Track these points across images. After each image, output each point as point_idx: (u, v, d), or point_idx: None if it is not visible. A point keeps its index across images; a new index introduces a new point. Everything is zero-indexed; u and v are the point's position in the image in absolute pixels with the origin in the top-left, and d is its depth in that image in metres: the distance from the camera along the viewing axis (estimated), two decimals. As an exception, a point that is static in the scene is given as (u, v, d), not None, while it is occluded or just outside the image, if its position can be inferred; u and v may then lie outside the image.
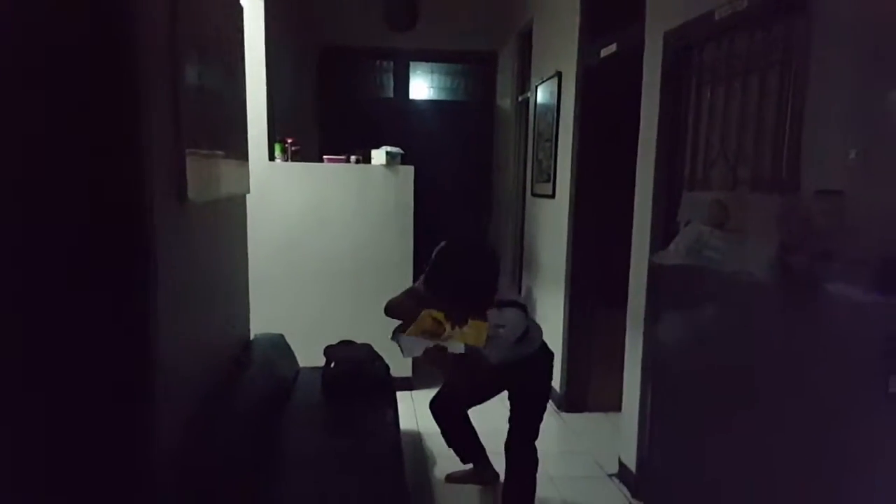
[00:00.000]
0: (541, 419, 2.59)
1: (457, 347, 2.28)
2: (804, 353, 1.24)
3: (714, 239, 1.44)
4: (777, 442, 1.33)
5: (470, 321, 2.26)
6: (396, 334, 2.42)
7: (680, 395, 1.80)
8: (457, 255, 2.43)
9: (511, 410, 2.61)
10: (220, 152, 2.34)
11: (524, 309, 2.43)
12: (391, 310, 2.60)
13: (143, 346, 1.59)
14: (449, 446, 2.98)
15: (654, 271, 2.68)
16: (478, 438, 2.97)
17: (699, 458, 1.69)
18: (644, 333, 2.76)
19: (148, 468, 1.59)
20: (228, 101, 2.51)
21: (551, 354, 2.62)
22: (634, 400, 2.85)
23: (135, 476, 1.56)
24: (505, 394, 2.65)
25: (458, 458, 3.02)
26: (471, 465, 3.04)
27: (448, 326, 2.28)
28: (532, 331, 2.51)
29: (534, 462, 2.59)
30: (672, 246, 1.61)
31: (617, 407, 3.60)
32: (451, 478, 3.07)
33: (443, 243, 2.45)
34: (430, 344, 2.31)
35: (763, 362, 1.37)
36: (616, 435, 3.34)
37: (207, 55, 2.18)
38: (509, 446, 2.61)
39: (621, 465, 3.02)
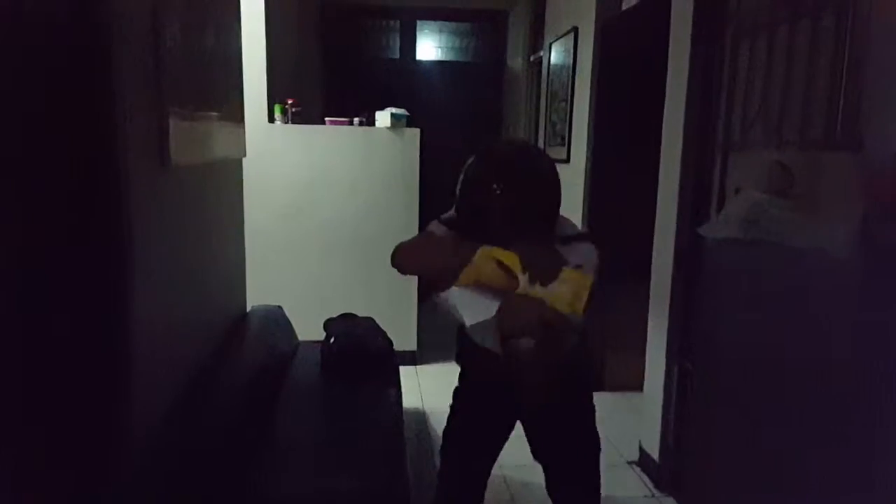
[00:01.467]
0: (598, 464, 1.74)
1: (564, 301, 1.29)
2: (892, 344, 1.04)
3: (774, 209, 1.24)
4: (845, 444, 1.14)
5: (564, 271, 1.31)
6: (433, 298, 1.46)
7: (726, 383, 1.61)
8: (502, 156, 1.57)
9: (546, 455, 1.77)
10: (211, 113, 2.15)
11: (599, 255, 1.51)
12: (403, 256, 1.63)
13: (120, 319, 1.43)
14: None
15: (695, 244, 2.47)
16: None
17: (744, 453, 1.51)
18: (671, 310, 2.57)
19: (126, 446, 1.44)
20: (221, 60, 2.31)
21: (591, 359, 1.88)
22: (658, 381, 2.66)
23: (112, 454, 1.41)
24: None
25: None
26: None
27: (523, 278, 1.31)
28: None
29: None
30: (721, 216, 1.41)
31: (635, 387, 3.42)
32: None
33: (479, 150, 1.59)
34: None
35: (839, 353, 1.17)
36: (635, 418, 3.16)
37: (195, 11, 1.98)
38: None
39: (642, 451, 2.85)
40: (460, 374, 1.93)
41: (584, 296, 1.28)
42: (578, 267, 1.35)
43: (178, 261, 1.85)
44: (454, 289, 1.29)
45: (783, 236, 1.25)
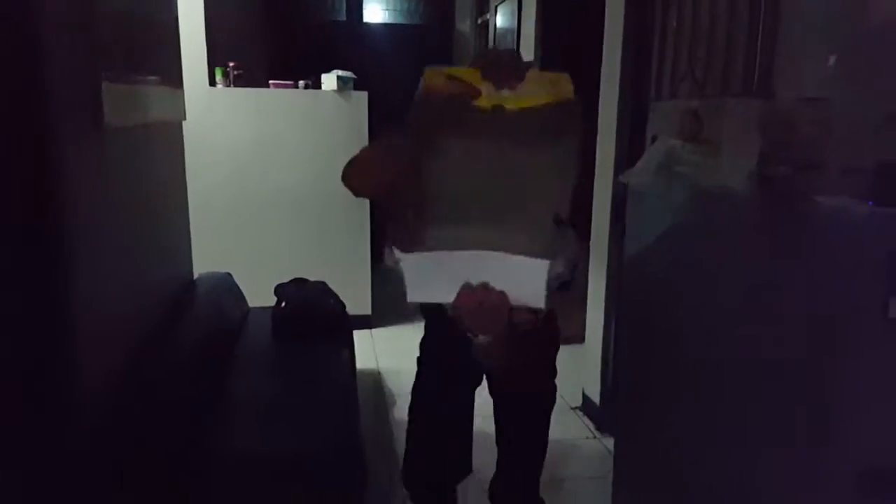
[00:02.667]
0: (546, 446, 1.73)
1: (534, 297, 1.00)
2: (791, 276, 1.14)
3: (687, 153, 1.31)
4: (760, 372, 1.24)
5: (531, 71, 1.02)
6: (389, 251, 1.06)
7: (652, 324, 1.70)
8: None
9: (500, 446, 1.75)
10: (146, 76, 2.12)
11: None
12: (356, 169, 1.33)
13: (57, 289, 1.43)
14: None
15: (620, 196, 2.57)
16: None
17: (672, 391, 1.62)
18: (608, 260, 2.67)
19: (71, 415, 1.46)
20: (155, 21, 2.26)
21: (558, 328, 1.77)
22: (598, 331, 2.78)
23: (56, 424, 1.42)
24: None
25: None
26: None
27: (483, 88, 1.01)
28: None
29: None
30: (640, 164, 1.48)
31: (578, 339, 3.55)
32: None
33: None
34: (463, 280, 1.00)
35: (745, 286, 1.27)
36: (578, 368, 3.29)
37: None
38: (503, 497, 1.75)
39: (585, 397, 2.99)
40: (425, 325, 1.84)
41: (570, 88, 1.00)
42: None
43: (115, 225, 1.85)
44: (407, 257, 1.00)
45: (693, 179, 1.34)
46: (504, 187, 0.99)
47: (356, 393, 2.77)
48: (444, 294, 1.00)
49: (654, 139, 1.53)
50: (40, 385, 1.41)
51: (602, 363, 2.78)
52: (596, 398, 2.85)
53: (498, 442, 1.75)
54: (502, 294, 0.98)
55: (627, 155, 2.50)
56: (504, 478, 1.73)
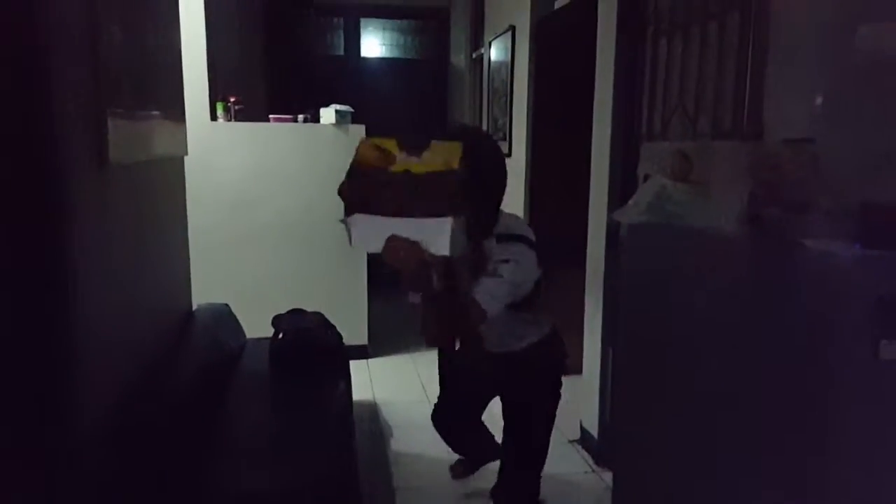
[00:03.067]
0: (545, 451, 1.98)
1: (440, 243, 1.36)
2: (782, 317, 1.16)
3: (677, 193, 1.35)
4: (752, 411, 1.26)
5: (432, 142, 1.43)
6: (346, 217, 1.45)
7: (646, 358, 1.73)
8: (457, 132, 1.70)
9: (504, 446, 2.02)
10: (150, 112, 2.16)
11: (534, 252, 1.67)
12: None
13: (58, 321, 1.44)
14: (458, 453, 2.52)
15: (614, 229, 2.61)
16: (491, 438, 2.39)
17: (667, 424, 1.63)
18: (604, 293, 2.70)
19: (67, 449, 1.45)
20: (160, 58, 2.31)
21: (565, 352, 1.97)
22: (595, 363, 2.80)
23: (52, 459, 1.42)
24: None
25: (411, 428, 2.93)
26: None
27: (398, 155, 1.43)
28: (540, 304, 1.83)
29: None
30: (632, 202, 1.51)
31: (576, 370, 3.57)
32: (457, 473, 2.59)
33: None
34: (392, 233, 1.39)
35: (736, 325, 1.30)
36: (576, 400, 3.30)
37: (133, 8, 2.00)
38: (505, 497, 2.05)
39: (583, 430, 2.99)
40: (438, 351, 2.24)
41: (457, 158, 1.41)
42: (501, 261, 1.57)
43: (117, 260, 1.87)
44: (356, 214, 1.40)
45: (683, 218, 1.37)
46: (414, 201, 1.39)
47: (353, 426, 2.77)
48: (377, 242, 1.40)
49: (645, 178, 1.57)
50: (38, 418, 1.41)
51: (600, 395, 2.79)
52: (594, 431, 2.86)
53: (503, 446, 2.03)
54: (415, 243, 1.34)
55: (620, 191, 2.55)
56: (506, 481, 2.01)
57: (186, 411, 2.08)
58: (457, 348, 1.88)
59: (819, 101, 1.47)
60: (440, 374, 2.28)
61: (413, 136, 1.46)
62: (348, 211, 1.42)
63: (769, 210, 1.16)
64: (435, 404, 2.35)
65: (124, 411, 1.80)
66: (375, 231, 1.40)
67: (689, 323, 1.45)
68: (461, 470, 2.58)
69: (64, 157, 1.48)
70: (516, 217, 1.82)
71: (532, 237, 1.69)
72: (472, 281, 1.55)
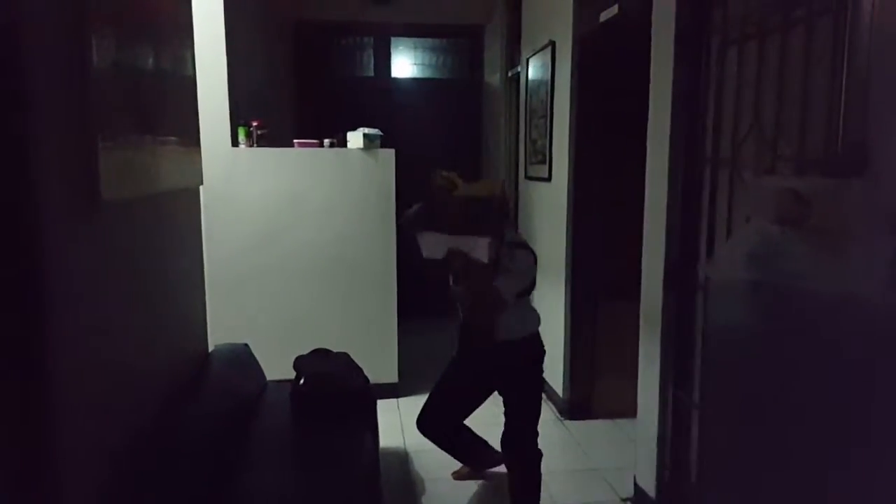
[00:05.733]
0: (538, 415, 2.47)
1: (481, 253, 2.17)
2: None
3: (790, 243, 1.07)
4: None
5: (482, 179, 2.62)
6: (418, 230, 2.34)
7: (738, 433, 1.43)
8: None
9: (506, 410, 2.48)
10: (156, 139, 1.96)
11: (534, 256, 2.35)
12: (405, 218, 2.50)
13: (40, 386, 1.24)
14: (448, 452, 2.81)
15: (674, 265, 2.32)
16: (477, 437, 2.77)
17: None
18: (663, 335, 2.40)
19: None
20: (169, 80, 2.12)
21: (543, 348, 2.49)
22: (653, 413, 2.48)
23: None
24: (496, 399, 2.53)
25: (442, 482, 2.70)
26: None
27: (459, 182, 2.32)
28: (532, 309, 2.49)
29: (537, 458, 2.47)
30: (725, 251, 1.24)
31: (625, 412, 3.25)
32: (459, 475, 2.92)
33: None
34: (450, 245, 2.23)
35: (880, 415, 1.00)
36: (627, 447, 2.98)
37: (134, 24, 1.80)
38: (510, 445, 2.48)
39: (637, 488, 2.66)
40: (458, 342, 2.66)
41: (497, 189, 2.34)
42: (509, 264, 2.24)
43: (115, 309, 1.65)
44: (424, 233, 2.30)
45: (803, 277, 1.07)
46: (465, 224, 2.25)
47: (379, 483, 2.51)
48: (441, 251, 2.26)
49: (747, 219, 1.29)
50: (37, 483, 1.20)
51: (658, 447, 2.47)
52: (651, 490, 2.53)
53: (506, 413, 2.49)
54: (466, 253, 2.20)
55: (679, 226, 2.26)
56: (509, 433, 2.46)
57: (197, 469, 1.87)
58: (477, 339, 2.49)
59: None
60: (444, 377, 2.68)
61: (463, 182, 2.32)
62: (416, 227, 2.32)
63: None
64: (423, 408, 2.67)
65: (133, 466, 1.61)
66: (437, 244, 2.26)
67: (814, 400, 1.15)
68: (464, 472, 2.89)
69: (44, 200, 1.27)
70: (519, 233, 2.59)
71: (530, 246, 2.42)
72: (494, 277, 2.19)
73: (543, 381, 2.51)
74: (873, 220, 0.92)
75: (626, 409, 3.12)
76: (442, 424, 2.70)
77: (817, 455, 1.14)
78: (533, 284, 2.39)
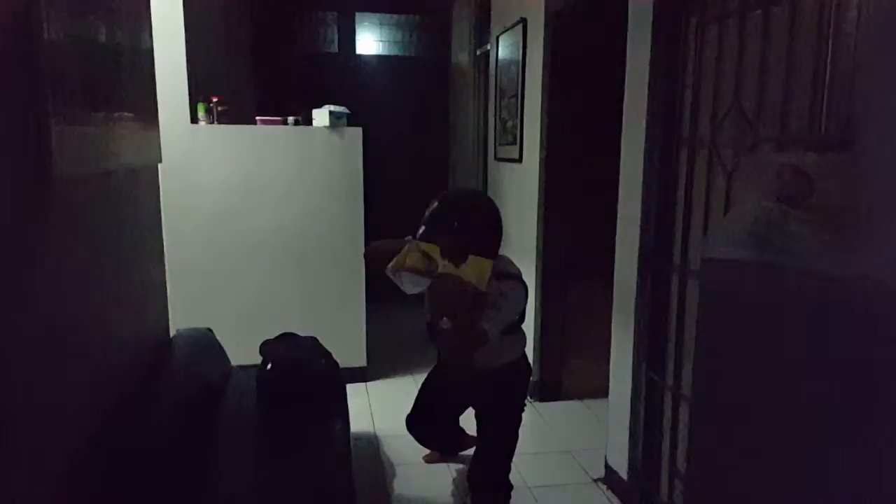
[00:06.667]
0: (513, 448, 2.31)
1: (471, 277, 1.91)
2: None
3: (794, 223, 1.03)
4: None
5: (470, 257, 1.95)
6: (391, 268, 2.04)
7: (727, 423, 1.41)
8: (461, 199, 2.28)
9: (479, 436, 2.37)
10: (112, 115, 1.84)
11: (525, 288, 2.11)
12: (374, 251, 2.25)
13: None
14: (430, 448, 2.84)
15: (649, 245, 2.30)
16: (457, 427, 2.75)
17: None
18: (637, 316, 2.39)
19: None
20: (126, 55, 1.99)
21: (530, 370, 2.37)
22: (625, 394, 2.48)
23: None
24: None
25: (413, 466, 2.73)
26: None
27: (441, 263, 1.97)
28: (517, 334, 2.25)
29: (506, 496, 2.33)
30: (720, 231, 1.20)
31: (596, 393, 3.27)
32: (430, 459, 2.88)
33: (442, 194, 2.18)
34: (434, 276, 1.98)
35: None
36: (598, 427, 2.99)
37: (90, 2, 1.68)
38: (477, 481, 2.33)
39: (608, 468, 2.67)
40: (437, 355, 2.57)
41: (487, 274, 1.93)
42: (500, 296, 1.98)
43: (69, 292, 1.55)
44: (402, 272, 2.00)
45: (808, 258, 1.03)
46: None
47: (351, 469, 2.45)
48: (423, 284, 2.05)
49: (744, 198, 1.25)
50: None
51: (630, 427, 2.47)
52: (622, 470, 2.54)
53: (477, 434, 2.38)
54: (456, 275, 1.93)
55: (656, 203, 2.24)
56: (479, 466, 2.33)
57: (161, 458, 1.79)
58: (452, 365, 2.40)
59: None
60: (423, 387, 2.58)
61: (455, 246, 1.98)
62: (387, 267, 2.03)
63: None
64: (410, 413, 2.60)
65: (93, 455, 1.53)
66: (419, 282, 2.03)
67: (807, 407, 1.11)
68: (435, 456, 2.84)
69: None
70: (509, 259, 2.19)
71: (521, 274, 2.14)
72: (479, 313, 1.93)
73: (524, 406, 2.32)
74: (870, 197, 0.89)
75: (597, 389, 3.13)
76: (431, 430, 2.68)
77: (817, 449, 1.12)
78: (522, 317, 2.20)
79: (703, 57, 2.03)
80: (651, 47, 2.22)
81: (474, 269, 1.92)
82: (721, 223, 1.24)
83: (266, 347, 2.58)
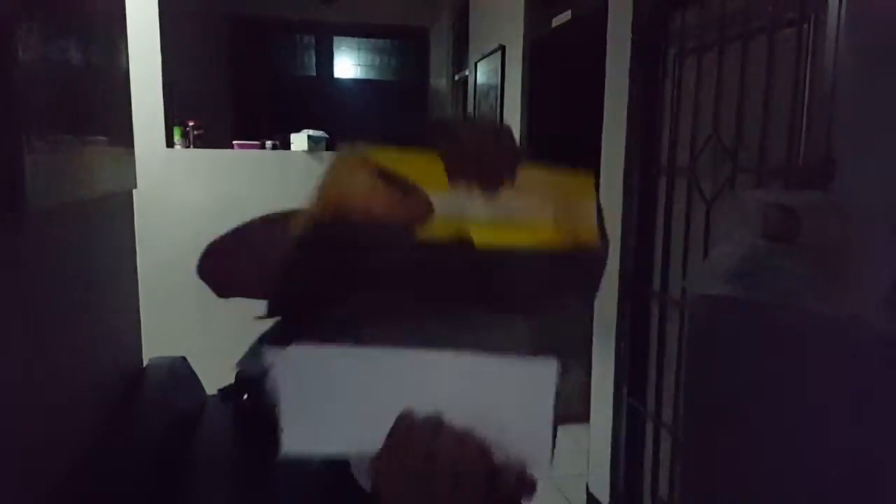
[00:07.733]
0: None
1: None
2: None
3: (780, 259, 1.03)
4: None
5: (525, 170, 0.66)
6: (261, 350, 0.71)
7: (717, 460, 1.41)
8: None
9: None
10: (86, 140, 1.79)
11: None
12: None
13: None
14: None
15: (629, 274, 2.31)
16: None
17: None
18: (617, 339, 2.39)
19: None
20: (101, 78, 1.95)
21: None
22: (606, 420, 2.47)
23: None
24: None
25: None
26: None
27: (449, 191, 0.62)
28: None
29: None
30: (707, 266, 1.21)
31: (575, 418, 3.25)
32: None
33: None
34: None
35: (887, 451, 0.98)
36: (578, 454, 2.96)
37: (64, 21, 1.64)
38: None
39: (590, 496, 2.65)
40: None
41: (592, 212, 0.62)
42: None
43: (40, 316, 1.49)
44: (286, 351, 0.58)
45: (801, 298, 1.03)
46: None
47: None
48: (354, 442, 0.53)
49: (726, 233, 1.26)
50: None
51: (612, 453, 2.45)
52: (604, 497, 2.52)
53: None
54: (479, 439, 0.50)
55: (637, 234, 2.26)
56: None
57: (135, 492, 1.71)
58: None
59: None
60: None
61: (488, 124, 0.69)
62: None
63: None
64: None
65: (61, 496, 1.43)
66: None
67: (807, 434, 1.11)
68: None
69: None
70: None
71: None
72: None
73: None
74: (879, 239, 0.90)
75: (576, 415, 3.11)
76: None
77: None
78: None
79: (682, 87, 2.06)
80: (629, 77, 2.25)
81: (549, 203, 0.66)
82: (708, 260, 1.25)
83: (241, 374, 2.51)
